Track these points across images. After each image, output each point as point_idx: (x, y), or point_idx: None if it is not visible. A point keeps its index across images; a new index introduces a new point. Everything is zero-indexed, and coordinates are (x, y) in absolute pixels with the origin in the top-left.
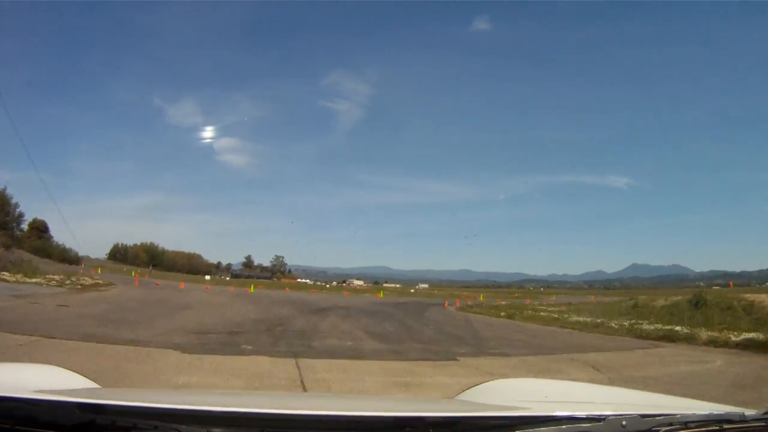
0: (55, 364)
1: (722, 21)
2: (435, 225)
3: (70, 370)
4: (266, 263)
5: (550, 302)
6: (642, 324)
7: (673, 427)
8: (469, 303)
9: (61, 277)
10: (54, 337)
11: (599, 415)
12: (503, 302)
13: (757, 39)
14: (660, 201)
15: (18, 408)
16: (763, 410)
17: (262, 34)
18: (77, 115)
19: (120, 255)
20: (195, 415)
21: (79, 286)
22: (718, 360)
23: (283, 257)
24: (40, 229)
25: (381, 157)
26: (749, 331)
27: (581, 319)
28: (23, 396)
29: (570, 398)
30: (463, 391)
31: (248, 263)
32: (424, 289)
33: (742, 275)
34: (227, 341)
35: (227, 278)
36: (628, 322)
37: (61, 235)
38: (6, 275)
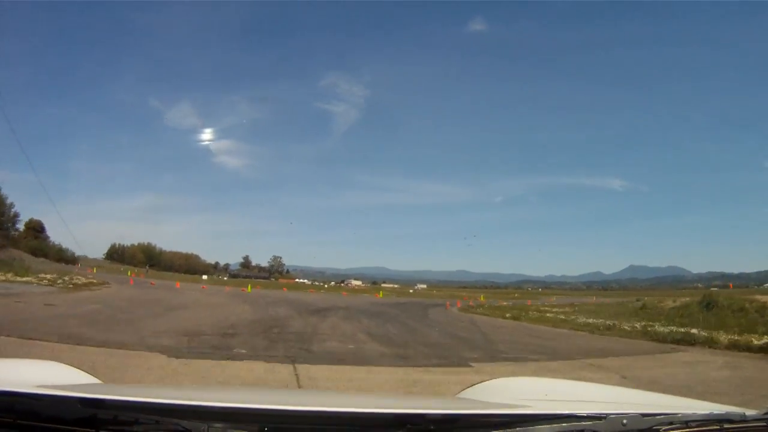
0: None
1: (720, 21)
2: (432, 226)
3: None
4: (264, 264)
5: (552, 303)
6: (654, 326)
7: (673, 426)
8: (471, 304)
9: (54, 276)
10: (30, 338)
11: (600, 414)
12: (504, 303)
13: (754, 39)
14: (658, 202)
15: (20, 402)
16: (764, 410)
17: (259, 36)
18: (75, 115)
19: (117, 255)
20: (196, 411)
21: (71, 286)
22: (747, 366)
23: (281, 258)
24: (36, 229)
25: (378, 158)
26: (766, 333)
27: (590, 320)
28: (25, 391)
29: (571, 397)
30: (464, 389)
31: (246, 263)
32: (422, 289)
33: (740, 277)
34: (219, 344)
35: (225, 278)
36: (639, 323)
37: (58, 235)
38: None
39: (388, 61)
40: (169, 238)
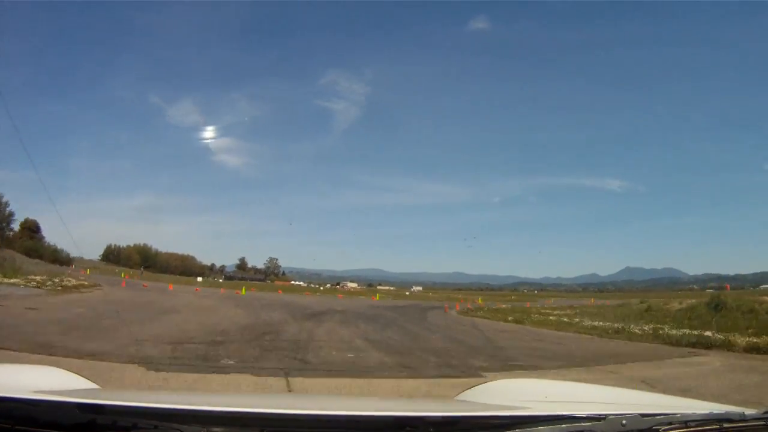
0: None
1: (720, 21)
2: (429, 226)
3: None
4: (260, 265)
5: (551, 305)
6: (664, 329)
7: (673, 426)
8: (469, 306)
9: (44, 277)
10: None
11: (599, 415)
12: (503, 305)
13: (754, 39)
14: (654, 204)
15: (18, 408)
16: (763, 410)
17: (259, 34)
18: (73, 113)
19: (113, 256)
20: (195, 415)
21: (60, 288)
22: None
23: (276, 259)
24: (31, 229)
25: (376, 158)
26: None
27: (596, 323)
28: (23, 396)
29: (570, 398)
30: (463, 391)
31: (242, 265)
32: (418, 291)
33: (736, 278)
34: (206, 354)
35: (220, 280)
36: (648, 326)
37: (53, 235)
38: None
39: (389, 59)
40: (167, 239)
